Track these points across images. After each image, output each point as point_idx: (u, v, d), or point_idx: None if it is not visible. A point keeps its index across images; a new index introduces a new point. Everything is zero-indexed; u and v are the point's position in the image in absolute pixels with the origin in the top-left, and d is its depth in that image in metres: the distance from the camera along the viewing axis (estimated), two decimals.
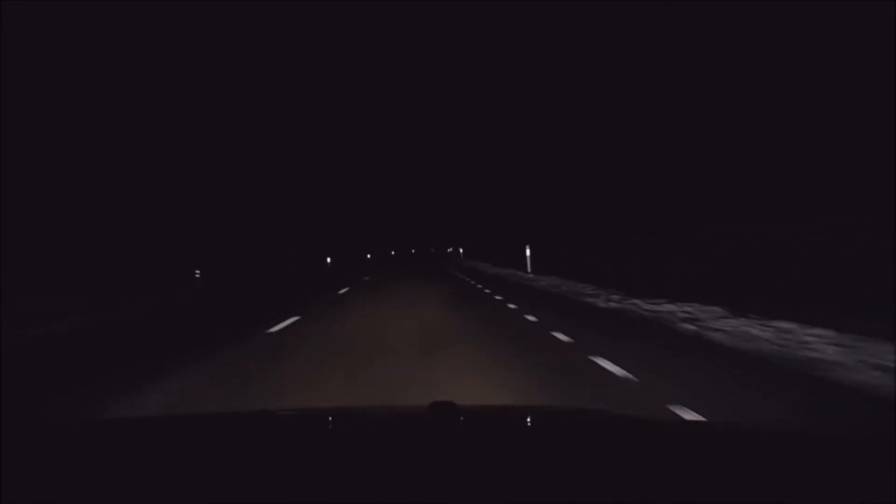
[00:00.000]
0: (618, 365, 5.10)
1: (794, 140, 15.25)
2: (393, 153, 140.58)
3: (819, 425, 3.41)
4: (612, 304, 10.21)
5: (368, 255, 67.30)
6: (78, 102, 23.41)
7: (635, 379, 4.66)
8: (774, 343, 5.88)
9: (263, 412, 2.14)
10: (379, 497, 1.00)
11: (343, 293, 15.15)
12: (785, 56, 15.53)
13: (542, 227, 31.86)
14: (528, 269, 21.16)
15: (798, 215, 12.57)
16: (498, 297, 12.45)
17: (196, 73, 34.32)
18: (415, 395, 4.29)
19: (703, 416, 3.62)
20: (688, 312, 8.32)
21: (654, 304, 9.57)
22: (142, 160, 26.68)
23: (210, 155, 33.67)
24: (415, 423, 1.62)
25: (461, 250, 66.87)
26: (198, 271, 19.85)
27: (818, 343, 5.62)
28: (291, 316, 9.60)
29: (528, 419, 1.86)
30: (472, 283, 18.18)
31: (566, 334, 6.94)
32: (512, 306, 10.58)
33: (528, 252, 21.92)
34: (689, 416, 3.68)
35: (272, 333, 7.92)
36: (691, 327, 7.18)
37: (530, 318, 8.76)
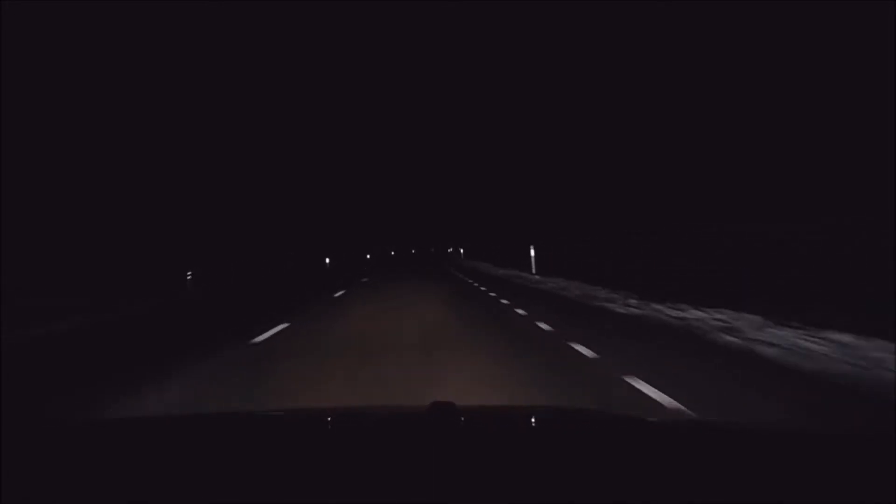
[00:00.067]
0: (664, 392, 4.17)
1: (794, 140, 15.25)
2: (393, 153, 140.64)
3: (819, 425, 3.41)
4: (632, 310, 9.38)
5: (368, 256, 67.13)
6: (78, 102, 23.43)
7: (693, 414, 3.81)
8: (844, 361, 5.02)
9: (263, 412, 2.14)
10: (379, 497, 1.00)
11: (339, 296, 14.47)
12: (785, 56, 15.54)
13: (542, 227, 31.85)
14: (533, 270, 20.74)
15: (798, 215, 12.57)
16: (504, 301, 11.72)
17: (196, 73, 34.34)
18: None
19: None
20: (721, 320, 7.51)
21: (678, 309, 8.85)
22: (141, 160, 26.70)
23: (210, 155, 33.69)
24: (414, 424, 1.62)
25: (461, 250, 66.86)
26: (189, 273, 19.07)
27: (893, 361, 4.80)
28: (280, 323, 8.80)
29: (528, 419, 1.86)
30: (476, 285, 17.47)
31: (588, 347, 6.06)
32: (521, 312, 9.75)
33: (532, 252, 21.41)
34: None
35: (255, 345, 7.08)
36: (733, 339, 6.31)
37: (543, 326, 7.98)
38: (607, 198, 26.61)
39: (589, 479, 1.10)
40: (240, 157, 38.81)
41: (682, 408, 3.86)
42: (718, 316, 7.86)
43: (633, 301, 10.35)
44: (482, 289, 15.56)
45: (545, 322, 8.22)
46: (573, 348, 6.11)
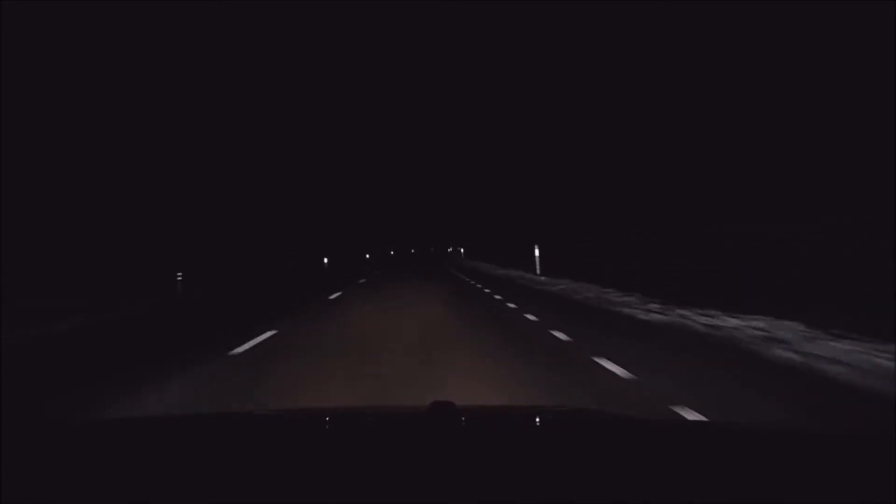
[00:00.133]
0: None
1: (794, 140, 15.26)
2: (393, 153, 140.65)
3: (819, 425, 3.41)
4: (656, 316, 8.53)
5: (367, 256, 66.98)
6: (78, 102, 23.44)
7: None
8: None
9: (263, 412, 2.14)
10: (379, 497, 1.00)
11: (334, 298, 13.83)
12: (785, 56, 15.54)
13: (542, 226, 31.85)
14: (537, 271, 20.32)
15: (798, 215, 12.58)
16: (511, 305, 10.95)
17: (196, 73, 34.35)
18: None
19: None
20: (760, 329, 6.81)
21: (706, 315, 8.13)
22: (141, 160, 26.70)
23: (210, 155, 33.70)
24: (415, 424, 1.62)
25: (462, 250, 66.87)
26: (180, 274, 18.20)
27: None
28: (267, 330, 8.10)
29: (528, 419, 1.86)
30: (479, 286, 16.75)
31: (617, 363, 5.23)
32: (531, 318, 8.95)
33: (536, 252, 20.90)
34: None
35: (236, 356, 6.36)
36: (789, 355, 5.45)
37: (559, 335, 7.09)
38: (607, 198, 26.61)
39: (589, 479, 1.10)
40: (239, 157, 38.83)
41: None
42: (756, 323, 7.11)
43: (654, 306, 9.64)
44: (486, 291, 14.91)
45: (560, 331, 7.34)
46: (601, 366, 5.23)
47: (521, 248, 29.29)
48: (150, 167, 27.19)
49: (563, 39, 33.40)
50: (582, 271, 17.37)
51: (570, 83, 30.76)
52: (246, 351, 6.64)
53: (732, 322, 7.41)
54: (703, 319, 7.83)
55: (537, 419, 1.85)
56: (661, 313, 8.74)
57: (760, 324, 7.10)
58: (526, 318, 9.02)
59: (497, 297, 12.95)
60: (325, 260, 43.72)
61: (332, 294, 14.84)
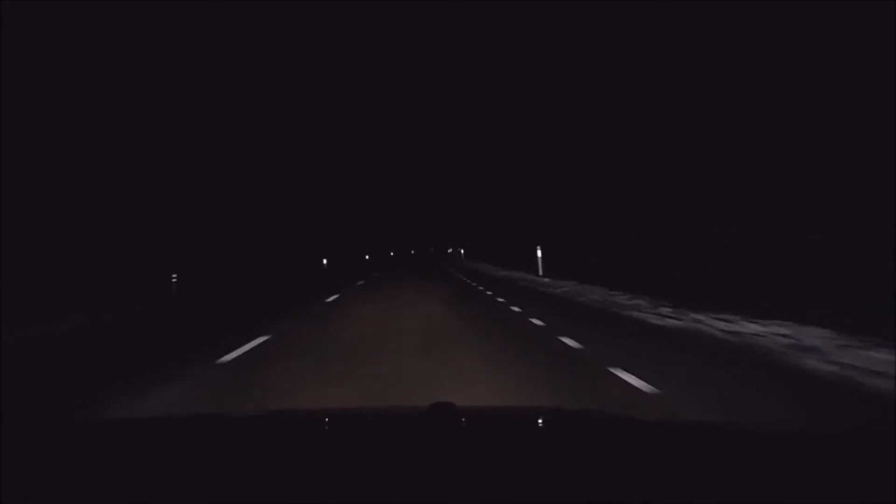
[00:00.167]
0: None
1: (794, 140, 15.26)
2: (393, 153, 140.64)
3: (819, 425, 3.41)
4: (670, 321, 8.12)
5: (367, 256, 66.91)
6: (78, 102, 23.43)
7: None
8: None
9: (263, 412, 2.14)
10: (379, 497, 1.00)
11: (331, 301, 13.43)
12: (785, 56, 15.55)
13: (542, 227, 31.85)
14: (540, 272, 20.07)
15: (798, 215, 12.57)
16: (515, 309, 10.55)
17: (196, 74, 34.33)
18: None
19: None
20: (786, 336, 6.42)
21: (723, 320, 7.77)
22: (141, 160, 26.70)
23: (210, 155, 33.69)
24: (415, 424, 1.62)
25: (462, 251, 66.86)
26: (174, 275, 17.80)
27: None
28: (259, 335, 7.70)
29: (528, 420, 1.86)
30: (480, 288, 16.41)
31: (636, 375, 4.79)
32: (537, 322, 8.56)
33: (538, 253, 20.61)
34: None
35: (223, 365, 5.90)
36: (831, 369, 4.92)
37: (569, 342, 6.65)
38: (607, 198, 26.61)
39: (589, 479, 1.10)
40: (239, 157, 38.83)
41: None
42: (780, 330, 6.74)
43: (665, 310, 9.23)
44: (488, 293, 14.57)
45: (570, 337, 6.93)
46: (619, 378, 4.79)
47: (521, 248, 29.27)
48: (150, 167, 27.20)
49: (563, 39, 33.41)
50: (585, 272, 17.33)
51: (570, 83, 30.77)
52: (235, 359, 6.18)
53: (752, 328, 7.03)
54: (720, 325, 7.47)
55: (537, 420, 1.85)
56: (674, 318, 8.39)
57: (783, 329, 6.74)
58: (531, 322, 8.62)
59: (500, 299, 12.59)
60: (325, 261, 43.51)
61: (329, 297, 14.42)
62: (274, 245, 41.66)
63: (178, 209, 28.98)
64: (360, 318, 9.94)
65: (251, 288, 20.71)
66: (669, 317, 8.56)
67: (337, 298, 14.06)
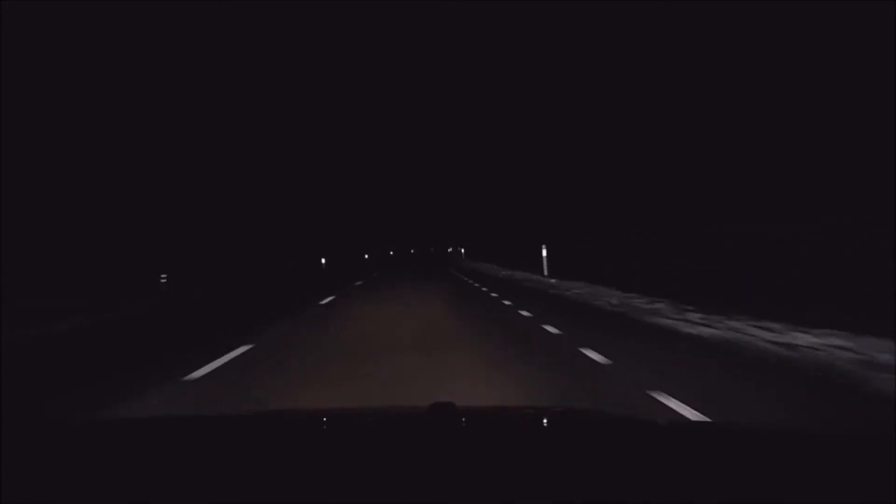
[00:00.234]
0: None
1: (794, 140, 15.26)
2: (392, 153, 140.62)
3: (819, 425, 3.40)
4: (704, 330, 7.26)
5: (366, 256, 66.86)
6: (78, 102, 23.44)
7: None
8: None
9: (263, 413, 2.14)
10: (379, 497, 1.00)
11: (326, 303, 12.79)
12: (785, 56, 15.55)
13: (542, 226, 31.84)
14: (545, 272, 19.61)
15: (798, 215, 12.57)
16: (525, 313, 9.67)
17: (196, 73, 34.33)
18: None
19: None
20: (847, 348, 5.58)
21: (763, 328, 6.92)
22: (142, 160, 26.71)
23: (210, 155, 33.70)
24: (415, 424, 1.62)
25: (462, 250, 66.83)
26: (164, 276, 17.27)
27: None
28: (241, 345, 6.90)
29: (529, 420, 1.86)
30: (484, 289, 15.70)
31: (686, 403, 4.00)
32: (552, 330, 7.72)
33: (544, 253, 20.08)
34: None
35: (190, 383, 5.06)
36: None
37: (594, 356, 5.77)
38: (607, 198, 26.61)
39: (589, 479, 1.10)
40: (239, 157, 38.83)
41: None
42: (835, 341, 5.95)
43: (694, 315, 8.41)
44: (493, 295, 13.84)
45: (594, 349, 6.01)
46: (666, 406, 3.99)
47: (522, 248, 29.24)
48: (150, 167, 27.21)
49: (563, 39, 33.40)
50: (587, 273, 17.24)
51: (571, 83, 30.77)
52: (205, 376, 5.33)
53: (804, 338, 6.16)
54: (764, 334, 6.58)
55: (537, 420, 1.85)
56: (707, 325, 7.53)
57: (839, 340, 5.95)
58: (546, 330, 7.77)
59: (506, 302, 11.86)
60: (323, 260, 43.30)
61: (324, 298, 13.72)
62: (274, 245, 41.66)
63: (179, 209, 28.99)
64: (356, 320, 9.52)
65: (249, 288, 20.58)
66: (700, 324, 7.70)
67: (333, 300, 13.49)
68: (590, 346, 6.20)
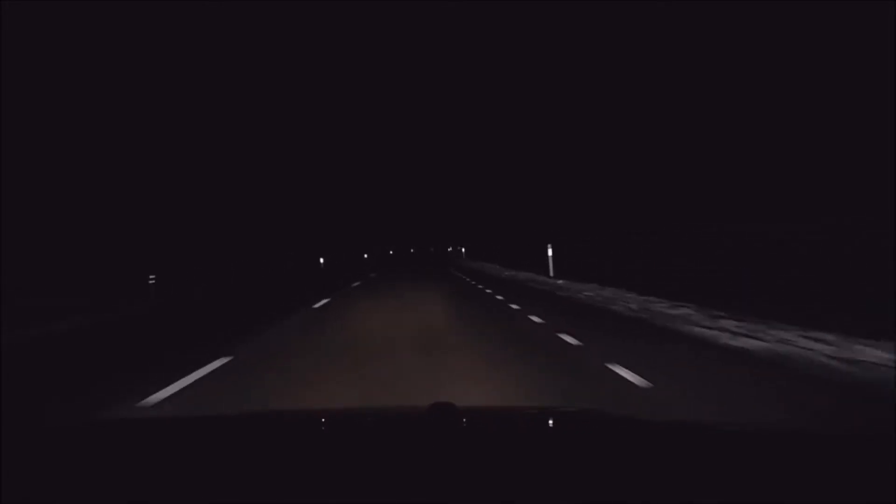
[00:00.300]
0: None
1: (794, 140, 15.26)
2: (392, 152, 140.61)
3: (819, 425, 3.40)
4: (749, 342, 6.23)
5: (365, 255, 66.74)
6: (78, 102, 23.44)
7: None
8: None
9: (263, 413, 2.14)
10: (379, 497, 1.00)
11: (320, 306, 11.99)
12: (785, 56, 15.55)
13: (542, 226, 31.84)
14: (550, 273, 19.13)
15: (798, 215, 12.57)
16: (536, 319, 8.82)
17: (196, 73, 34.33)
18: None
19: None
20: None
21: (816, 339, 5.93)
22: (142, 160, 26.72)
23: (210, 155, 33.70)
24: (415, 424, 1.62)
25: (462, 250, 66.77)
26: (152, 277, 16.41)
27: None
28: (218, 357, 6.10)
29: (528, 420, 1.86)
30: (488, 291, 15.01)
31: None
32: (570, 340, 6.74)
33: (549, 252, 19.52)
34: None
35: (147, 409, 4.29)
36: None
37: (624, 373, 4.90)
38: (607, 198, 26.61)
39: (589, 479, 1.10)
40: (239, 157, 38.84)
41: None
42: None
43: (729, 322, 7.45)
44: (498, 297, 13.06)
45: (622, 365, 5.13)
46: None
47: (523, 247, 29.22)
48: (151, 167, 27.21)
49: (563, 39, 33.40)
50: (592, 273, 17.09)
51: (571, 83, 30.78)
52: (168, 398, 4.54)
53: (872, 353, 5.16)
54: (820, 347, 5.62)
55: (537, 420, 1.85)
56: (749, 336, 6.51)
57: None
58: (562, 339, 6.83)
59: (514, 306, 10.94)
60: (322, 260, 43.05)
61: (318, 301, 12.90)
62: (274, 244, 41.65)
63: (179, 209, 28.99)
64: (352, 325, 8.87)
65: (247, 288, 20.50)
66: (743, 334, 6.68)
67: (328, 303, 12.74)
68: (618, 361, 5.32)
